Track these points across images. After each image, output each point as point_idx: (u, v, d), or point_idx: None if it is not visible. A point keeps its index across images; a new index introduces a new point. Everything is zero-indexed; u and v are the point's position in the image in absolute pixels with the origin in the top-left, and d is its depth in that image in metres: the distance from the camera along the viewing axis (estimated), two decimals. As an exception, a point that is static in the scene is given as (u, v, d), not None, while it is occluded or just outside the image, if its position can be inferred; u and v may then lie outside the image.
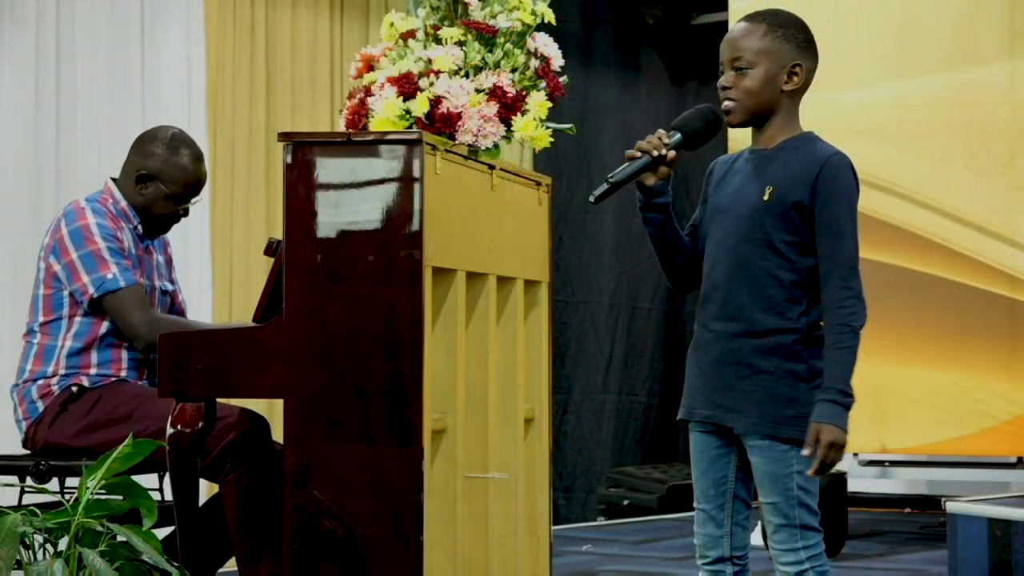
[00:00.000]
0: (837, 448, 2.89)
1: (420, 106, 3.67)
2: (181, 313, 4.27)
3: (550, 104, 3.81)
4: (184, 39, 6.76)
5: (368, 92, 3.78)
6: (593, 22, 8.61)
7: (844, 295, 2.95)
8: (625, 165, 3.04)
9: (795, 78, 3.04)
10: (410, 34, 3.82)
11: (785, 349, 2.98)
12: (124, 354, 3.99)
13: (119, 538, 3.24)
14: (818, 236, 2.97)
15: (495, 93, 3.72)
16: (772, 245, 2.99)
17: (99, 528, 3.22)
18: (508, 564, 3.92)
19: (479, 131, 3.68)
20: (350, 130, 3.77)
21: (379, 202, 3.35)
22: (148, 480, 3.61)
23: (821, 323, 3.00)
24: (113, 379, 3.97)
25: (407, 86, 3.70)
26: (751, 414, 2.99)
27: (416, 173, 3.34)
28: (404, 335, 3.32)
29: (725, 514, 3.10)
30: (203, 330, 3.58)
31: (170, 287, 4.21)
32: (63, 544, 3.23)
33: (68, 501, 3.31)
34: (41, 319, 4.00)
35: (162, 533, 3.57)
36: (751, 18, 3.07)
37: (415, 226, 3.33)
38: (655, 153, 3.03)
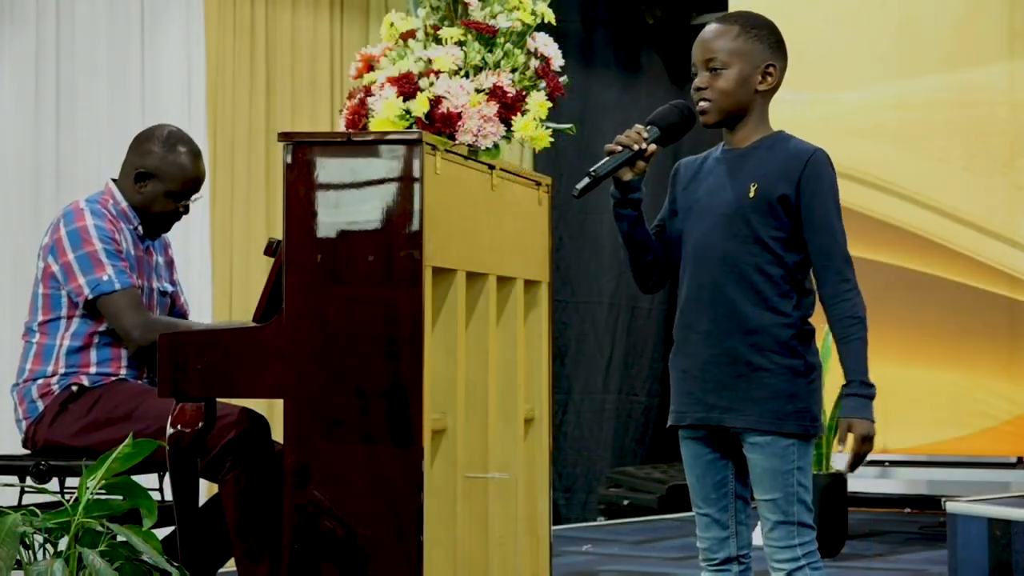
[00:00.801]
0: (868, 441, 2.94)
1: (420, 106, 3.67)
2: (183, 314, 4.27)
3: (550, 104, 3.81)
4: (184, 39, 6.76)
5: (368, 92, 3.78)
6: (593, 22, 8.61)
7: (844, 288, 2.98)
8: (606, 159, 3.06)
9: (769, 78, 3.07)
10: (410, 34, 3.82)
11: (782, 345, 2.99)
12: (123, 352, 3.99)
13: (119, 538, 3.24)
14: (807, 232, 3.00)
15: (495, 93, 3.72)
16: (760, 241, 3.00)
17: (99, 528, 3.22)
18: (508, 564, 3.92)
19: (479, 131, 3.69)
20: (350, 130, 3.77)
21: (379, 202, 3.35)
22: (148, 480, 3.61)
23: (810, 318, 3.02)
24: (113, 378, 3.97)
25: (407, 86, 3.70)
26: (751, 412, 2.99)
27: (416, 173, 3.34)
28: (404, 335, 3.32)
29: (729, 515, 3.10)
30: (203, 330, 3.58)
31: (170, 288, 4.21)
32: (63, 544, 3.23)
33: (68, 501, 3.31)
34: (40, 318, 4.00)
35: (162, 533, 3.57)
36: (724, 19, 3.12)
37: (415, 226, 3.33)
38: (635, 147, 3.04)
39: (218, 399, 3.54)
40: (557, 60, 3.89)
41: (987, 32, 6.54)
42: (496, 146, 3.76)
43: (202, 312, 6.54)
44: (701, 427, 3.07)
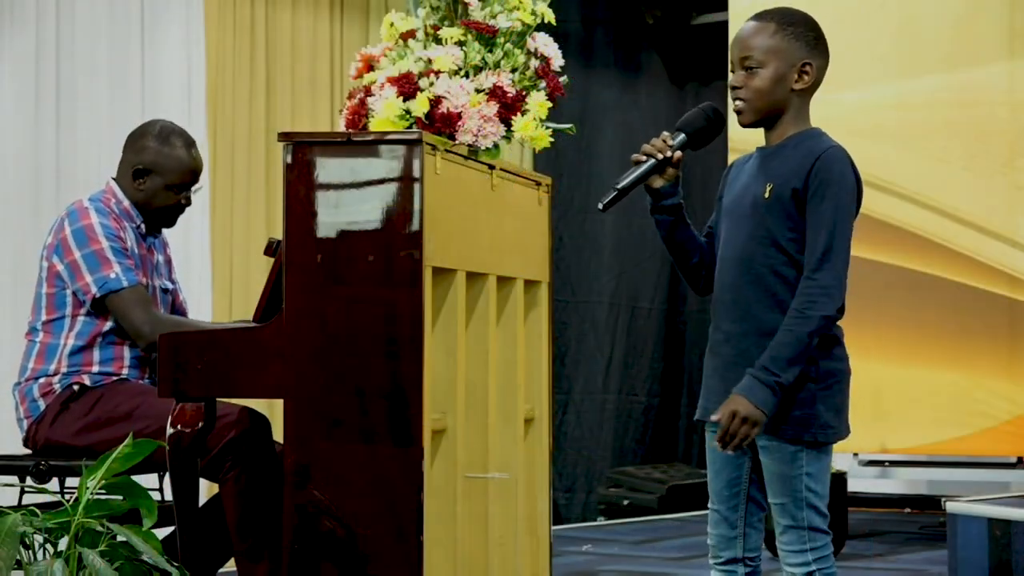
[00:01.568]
0: (740, 419, 2.86)
1: (420, 106, 3.67)
2: (182, 313, 4.27)
3: (550, 104, 3.81)
4: (184, 39, 6.76)
5: (368, 92, 3.78)
6: (593, 22, 8.61)
7: (807, 284, 2.92)
8: (631, 170, 3.04)
9: (805, 77, 3.02)
10: (410, 34, 3.82)
11: None
12: (126, 352, 3.99)
13: (119, 538, 3.24)
14: (806, 228, 2.96)
15: (495, 93, 3.72)
16: (776, 243, 2.98)
17: (99, 528, 3.22)
18: (508, 564, 3.92)
19: (479, 131, 3.69)
20: (350, 130, 3.77)
21: (379, 202, 3.35)
22: (148, 480, 3.61)
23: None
24: (115, 378, 3.97)
25: (407, 86, 3.70)
26: None
27: (416, 173, 3.34)
28: (404, 335, 3.32)
29: (738, 515, 3.09)
30: (203, 330, 3.58)
31: (170, 286, 4.22)
32: (63, 544, 3.23)
33: (68, 501, 3.31)
34: (44, 318, 4.01)
35: (162, 533, 3.57)
36: (760, 17, 3.05)
37: (415, 226, 3.33)
38: (660, 156, 3.03)
39: (218, 399, 3.55)
40: (557, 60, 3.89)
41: (987, 32, 6.53)
42: (496, 146, 3.76)
43: (202, 312, 6.54)
44: None
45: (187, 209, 4.22)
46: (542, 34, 3.89)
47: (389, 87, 3.71)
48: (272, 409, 4.19)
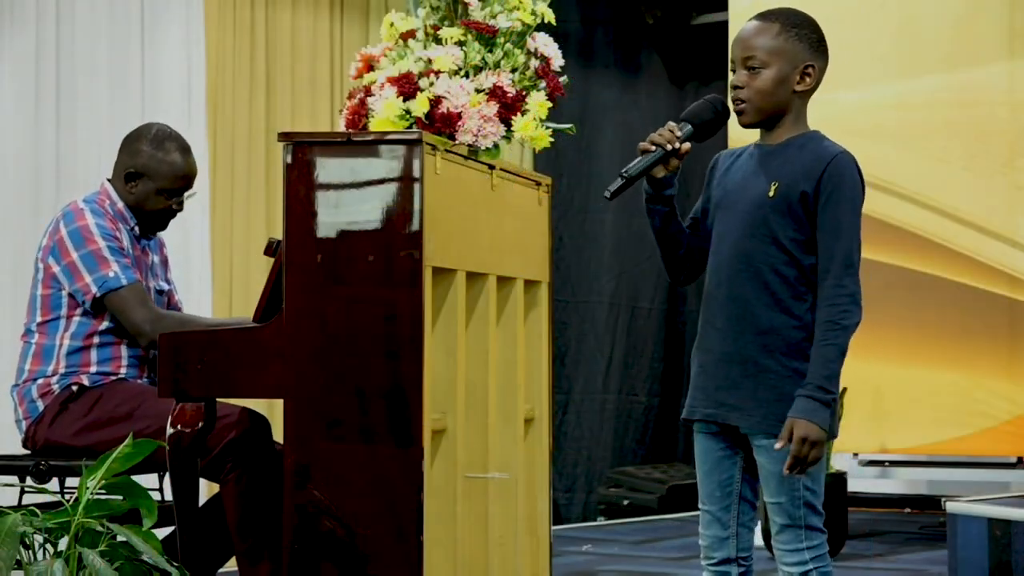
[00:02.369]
0: (810, 444, 2.88)
1: (420, 106, 3.67)
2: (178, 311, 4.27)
3: (550, 104, 3.81)
4: (184, 39, 6.76)
5: (368, 92, 3.78)
6: (593, 22, 8.61)
7: (837, 292, 2.94)
8: (638, 159, 3.02)
9: (808, 79, 3.03)
10: (410, 34, 3.82)
11: (792, 347, 2.97)
12: (124, 351, 3.99)
13: (119, 538, 3.24)
14: (819, 232, 2.96)
15: (495, 93, 3.72)
16: (777, 241, 2.98)
17: (99, 528, 3.22)
18: (508, 564, 3.92)
19: (479, 131, 3.69)
20: (350, 130, 3.77)
21: (379, 202, 3.35)
22: (148, 480, 3.61)
23: None
24: (113, 377, 3.97)
25: (407, 86, 3.70)
26: (755, 413, 2.98)
27: (416, 173, 3.34)
28: (404, 335, 3.32)
29: (731, 515, 3.08)
30: (203, 330, 3.58)
31: (166, 287, 4.22)
32: (63, 544, 3.23)
33: (68, 501, 3.31)
34: (39, 319, 4.01)
35: (162, 533, 3.57)
36: (764, 17, 3.05)
37: (415, 226, 3.33)
38: (669, 147, 3.01)
39: (218, 399, 3.55)
40: (557, 60, 3.89)
41: (987, 32, 6.53)
42: (496, 146, 3.76)
43: (202, 312, 6.53)
44: (713, 423, 3.06)
45: (187, 209, 4.22)
46: (542, 34, 3.89)
47: (389, 87, 3.71)
48: (272, 409, 4.19)
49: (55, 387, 3.95)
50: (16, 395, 4.01)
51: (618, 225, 8.50)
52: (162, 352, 3.47)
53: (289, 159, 3.39)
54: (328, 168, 3.38)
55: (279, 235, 3.47)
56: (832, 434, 2.98)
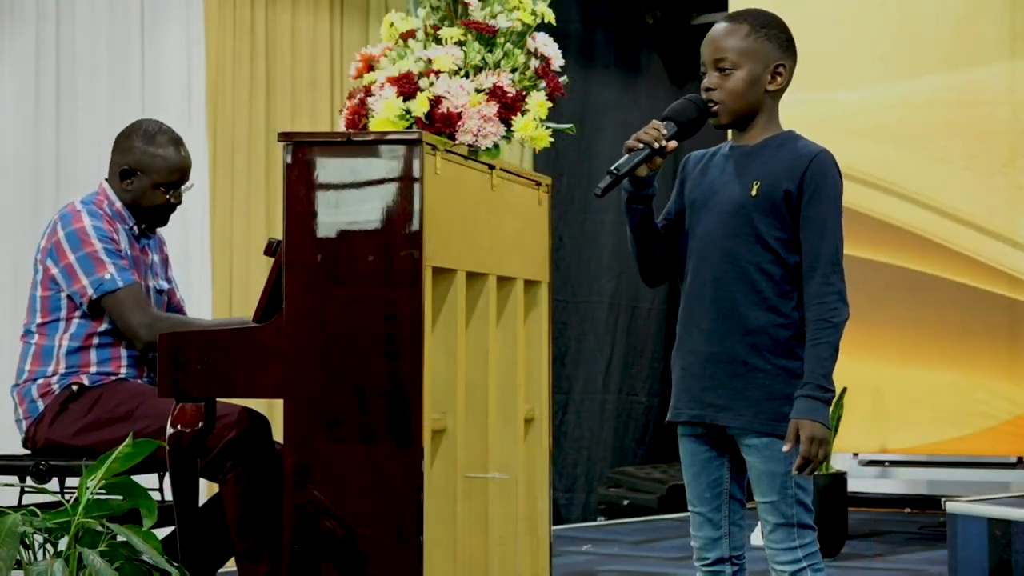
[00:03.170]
0: (818, 443, 2.89)
1: (420, 106, 3.67)
2: (179, 311, 4.27)
3: (550, 104, 3.81)
4: (184, 39, 6.76)
5: (368, 92, 3.78)
6: (593, 22, 8.61)
7: (825, 291, 2.95)
8: (626, 157, 3.02)
9: (779, 78, 3.05)
10: (410, 34, 3.82)
11: (780, 345, 2.98)
12: (123, 352, 3.99)
13: (119, 538, 3.24)
14: (803, 231, 2.97)
15: (495, 93, 3.72)
16: (762, 240, 2.99)
17: (99, 528, 3.22)
18: (508, 564, 3.92)
19: (479, 131, 3.69)
20: (350, 130, 3.77)
21: (379, 202, 3.35)
22: (148, 480, 3.61)
23: None
24: (113, 378, 3.97)
25: (407, 86, 3.70)
26: (745, 412, 2.98)
27: (416, 173, 3.34)
28: (404, 335, 3.32)
29: (722, 515, 3.09)
30: (203, 330, 3.58)
31: (166, 286, 4.22)
32: (63, 544, 3.23)
33: (68, 501, 3.31)
34: (38, 320, 4.01)
35: (162, 533, 3.57)
36: (732, 18, 3.07)
37: (415, 226, 3.33)
38: (656, 144, 3.01)
39: (218, 399, 3.54)
40: (557, 60, 3.89)
41: (988, 32, 6.53)
42: (496, 146, 3.76)
43: (202, 312, 6.53)
44: (699, 425, 3.06)
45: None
46: (542, 34, 3.89)
47: (389, 87, 3.71)
48: (272, 409, 4.19)
49: (55, 387, 3.95)
50: (16, 395, 4.02)
51: (618, 225, 8.49)
52: (162, 352, 3.47)
53: (289, 159, 3.39)
54: (328, 168, 3.38)
55: (279, 235, 3.47)
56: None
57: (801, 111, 6.73)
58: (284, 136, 3.41)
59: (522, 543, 4.01)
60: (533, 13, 3.84)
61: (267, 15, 7.09)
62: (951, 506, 5.03)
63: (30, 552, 3.21)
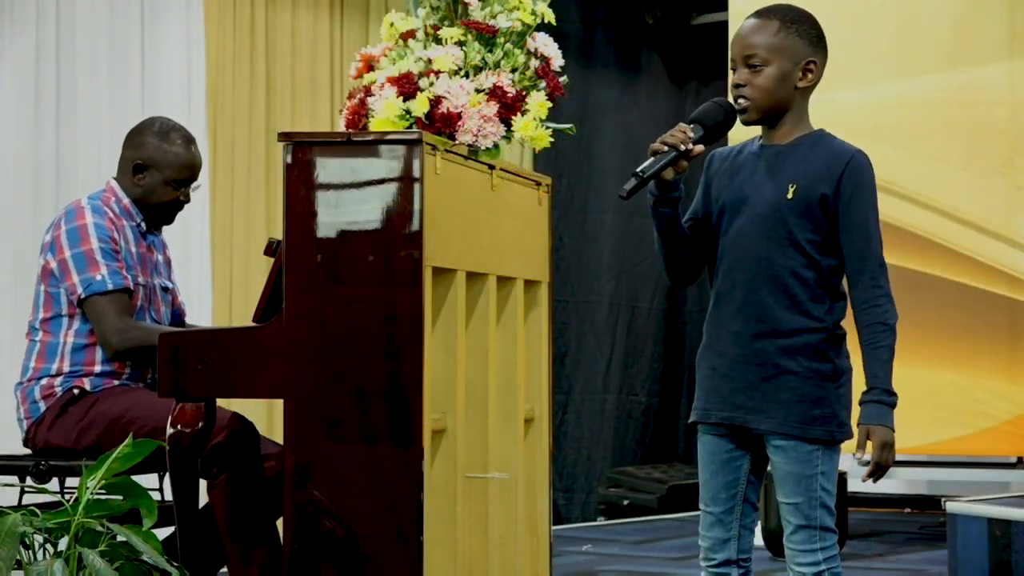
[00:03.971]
0: (888, 448, 2.93)
1: (420, 106, 3.67)
2: (181, 313, 4.28)
3: (550, 104, 3.81)
4: (184, 39, 6.76)
5: (368, 92, 3.78)
6: (593, 22, 8.61)
7: (876, 293, 2.96)
8: (651, 159, 2.98)
9: (809, 75, 3.01)
10: (410, 34, 3.82)
11: (812, 349, 2.96)
12: (124, 351, 3.99)
13: (119, 538, 3.24)
14: (844, 234, 2.96)
15: (495, 93, 3.72)
16: (796, 243, 2.96)
17: (99, 528, 3.22)
18: (508, 564, 3.92)
19: (479, 131, 3.69)
20: (350, 130, 3.77)
21: (379, 202, 3.36)
22: (148, 480, 3.61)
23: (842, 322, 2.99)
24: (115, 381, 3.98)
25: (407, 86, 3.70)
26: (776, 414, 2.97)
27: (416, 173, 3.34)
28: (404, 335, 3.32)
29: (734, 517, 3.07)
30: (203, 330, 3.58)
31: (170, 285, 4.23)
32: (63, 544, 3.23)
33: (68, 501, 3.31)
34: (42, 315, 4.01)
35: (162, 533, 3.57)
36: (763, 14, 3.02)
37: (415, 226, 3.33)
38: (683, 147, 2.97)
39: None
40: (557, 60, 3.89)
41: (987, 32, 6.53)
42: (496, 146, 3.76)
43: (202, 312, 6.54)
44: (723, 425, 3.04)
45: (187, 208, 4.22)
46: (542, 34, 3.89)
47: (389, 87, 3.71)
48: (272, 409, 4.20)
49: (58, 389, 3.96)
50: (20, 393, 4.02)
51: (618, 225, 8.49)
52: (162, 352, 3.47)
53: (289, 159, 3.39)
54: (328, 168, 3.38)
55: (279, 235, 3.48)
56: (850, 433, 3.01)
57: (801, 111, 6.72)
58: (284, 136, 3.41)
59: (522, 543, 4.01)
60: (533, 13, 3.84)
61: (267, 15, 7.09)
62: (951, 506, 5.03)
63: (30, 552, 3.21)
